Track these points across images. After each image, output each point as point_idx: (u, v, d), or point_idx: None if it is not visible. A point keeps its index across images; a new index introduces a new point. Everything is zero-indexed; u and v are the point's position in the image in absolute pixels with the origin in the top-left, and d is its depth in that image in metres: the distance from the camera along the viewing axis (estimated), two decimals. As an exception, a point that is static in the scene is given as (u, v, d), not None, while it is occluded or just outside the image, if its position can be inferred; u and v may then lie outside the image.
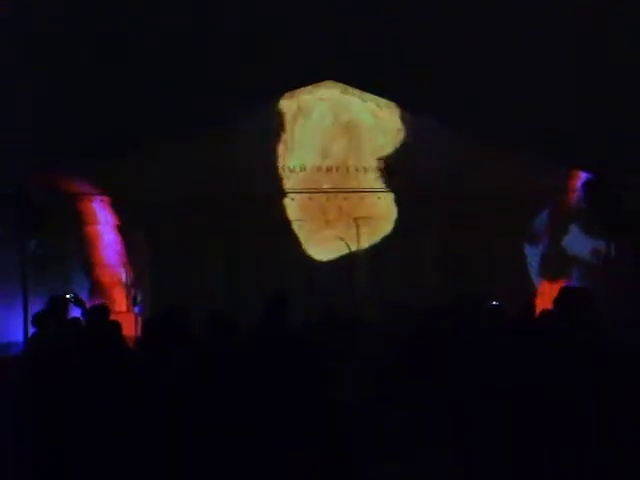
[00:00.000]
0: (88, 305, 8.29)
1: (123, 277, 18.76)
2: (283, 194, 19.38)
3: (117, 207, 18.66)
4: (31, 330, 7.42)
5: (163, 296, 16.86)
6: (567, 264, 18.83)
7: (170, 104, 17.14)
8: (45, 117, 15.77)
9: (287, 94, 19.49)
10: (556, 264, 18.91)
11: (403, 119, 19.39)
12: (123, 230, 18.78)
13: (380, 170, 19.01)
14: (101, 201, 18.67)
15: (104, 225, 18.85)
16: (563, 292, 6.99)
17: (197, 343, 6.25)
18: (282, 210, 19.39)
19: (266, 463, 5.24)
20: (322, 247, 19.47)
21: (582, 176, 18.72)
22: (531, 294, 17.46)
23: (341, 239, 19.39)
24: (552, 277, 18.82)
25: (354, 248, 19.44)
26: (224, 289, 18.55)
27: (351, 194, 19.42)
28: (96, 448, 5.29)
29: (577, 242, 18.56)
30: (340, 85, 19.65)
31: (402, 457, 5.20)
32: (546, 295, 18.38)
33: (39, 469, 5.37)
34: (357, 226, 19.46)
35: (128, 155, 18.19)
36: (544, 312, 7.65)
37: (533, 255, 19.37)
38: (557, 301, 6.86)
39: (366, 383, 5.72)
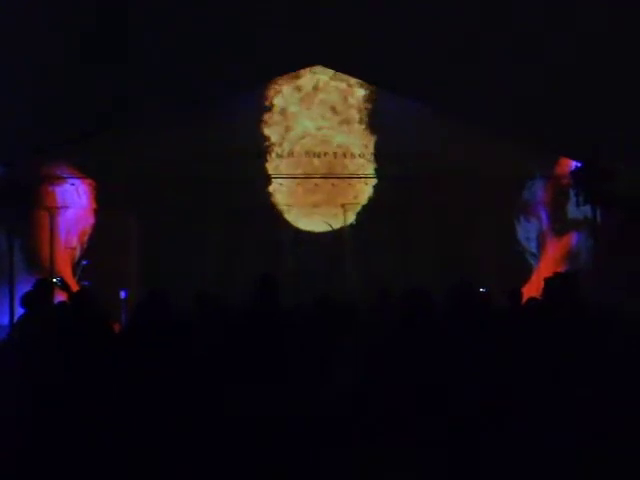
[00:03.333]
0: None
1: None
2: (270, 179, 19.37)
3: (101, 189, 18.57)
4: (19, 311, 7.40)
5: (151, 279, 16.89)
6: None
7: (157, 85, 17.03)
8: (28, 101, 15.63)
9: (275, 79, 19.44)
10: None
11: (391, 103, 19.35)
12: (105, 212, 18.65)
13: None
14: (75, 183, 18.55)
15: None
16: (548, 281, 7.02)
17: (185, 326, 6.25)
18: (270, 194, 19.39)
19: (259, 450, 5.24)
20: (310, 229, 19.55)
21: (571, 163, 18.78)
22: (523, 276, 17.68)
23: (329, 224, 19.42)
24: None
25: (342, 233, 19.46)
26: (213, 272, 18.57)
27: (339, 180, 19.42)
28: (88, 431, 5.30)
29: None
30: (329, 70, 19.61)
31: (397, 443, 5.21)
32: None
33: (30, 453, 5.38)
34: (345, 211, 19.49)
35: (112, 137, 18.11)
36: (530, 300, 7.71)
37: (527, 231, 19.50)
38: (543, 290, 6.88)
39: (361, 369, 5.72)
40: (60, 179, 18.48)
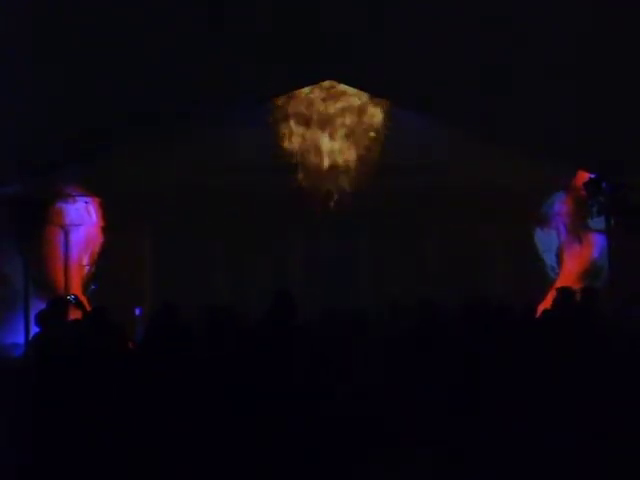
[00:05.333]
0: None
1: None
2: (281, 192, 19.42)
3: (109, 207, 18.68)
4: (34, 330, 7.49)
5: (163, 293, 16.99)
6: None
7: (169, 97, 17.04)
8: (29, 116, 15.59)
9: (287, 93, 19.54)
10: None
11: (403, 117, 19.42)
12: (114, 230, 18.74)
13: None
14: (88, 201, 18.68)
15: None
16: (561, 294, 7.04)
17: (197, 341, 6.31)
18: (282, 207, 19.42)
19: (267, 460, 5.28)
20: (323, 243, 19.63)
21: (585, 176, 18.77)
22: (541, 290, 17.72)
23: (340, 237, 19.49)
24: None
25: (354, 247, 19.54)
26: (226, 285, 18.67)
27: (352, 193, 19.50)
28: (101, 447, 5.36)
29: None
30: (340, 85, 19.69)
31: (402, 453, 5.24)
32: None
33: (43, 467, 5.45)
34: (358, 223, 19.55)
35: (119, 152, 18.24)
36: (545, 312, 7.73)
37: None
38: (555, 302, 6.89)
39: (370, 378, 5.76)
40: (71, 197, 18.61)
